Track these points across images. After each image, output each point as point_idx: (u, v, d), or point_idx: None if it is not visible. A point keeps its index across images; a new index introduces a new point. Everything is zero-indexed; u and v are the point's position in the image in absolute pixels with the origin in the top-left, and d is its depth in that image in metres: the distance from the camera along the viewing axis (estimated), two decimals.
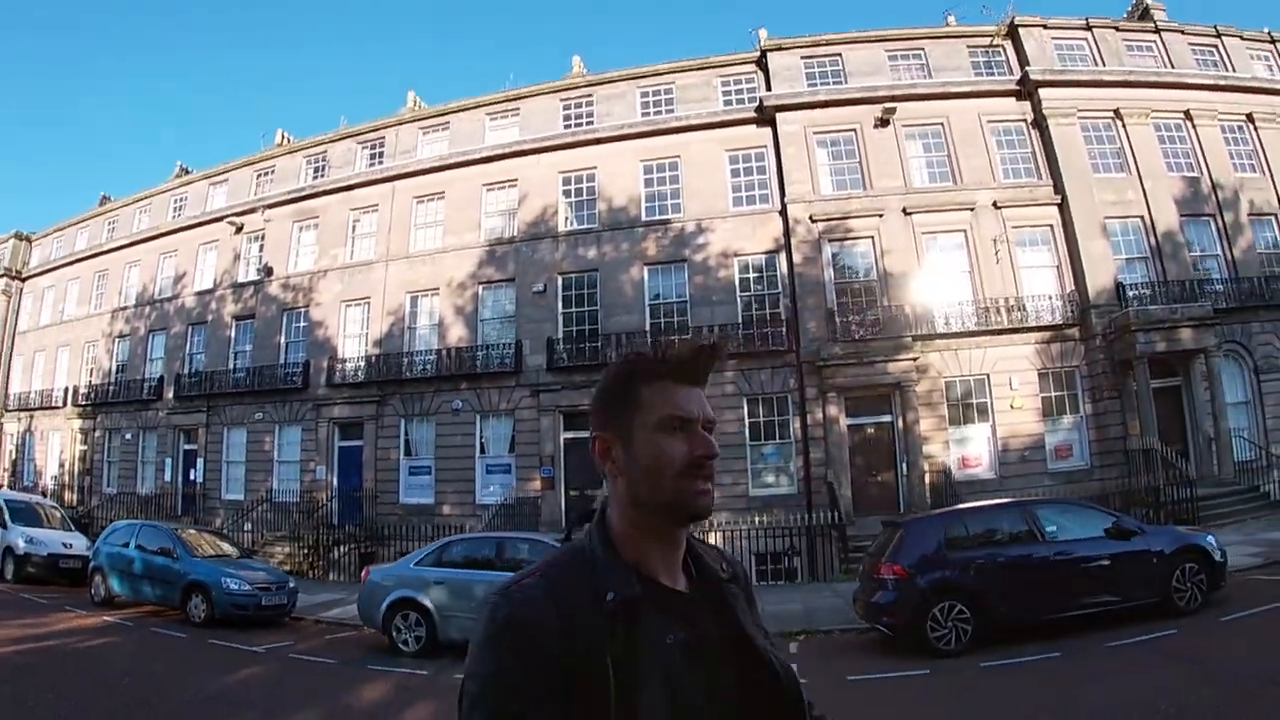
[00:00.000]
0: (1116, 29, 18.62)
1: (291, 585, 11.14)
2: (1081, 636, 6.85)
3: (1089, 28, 18.32)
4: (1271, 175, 17.98)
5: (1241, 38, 20.20)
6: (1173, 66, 18.54)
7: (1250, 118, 18.48)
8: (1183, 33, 19.52)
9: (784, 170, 16.18)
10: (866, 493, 14.97)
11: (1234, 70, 19.18)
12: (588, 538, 0.95)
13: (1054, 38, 17.99)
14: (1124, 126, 17.21)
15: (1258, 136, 18.46)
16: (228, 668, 7.69)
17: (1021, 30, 17.60)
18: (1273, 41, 20.57)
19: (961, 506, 8.53)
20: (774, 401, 15.50)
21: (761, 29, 19.58)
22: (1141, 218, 16.43)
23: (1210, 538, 7.65)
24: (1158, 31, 19.06)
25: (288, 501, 18.38)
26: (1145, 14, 21.84)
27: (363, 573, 10.38)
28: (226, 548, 12.19)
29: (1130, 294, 15.61)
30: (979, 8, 18.01)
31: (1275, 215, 17.52)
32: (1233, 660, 5.91)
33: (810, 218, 15.82)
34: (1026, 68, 16.86)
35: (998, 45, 17.67)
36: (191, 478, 20.01)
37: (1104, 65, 17.92)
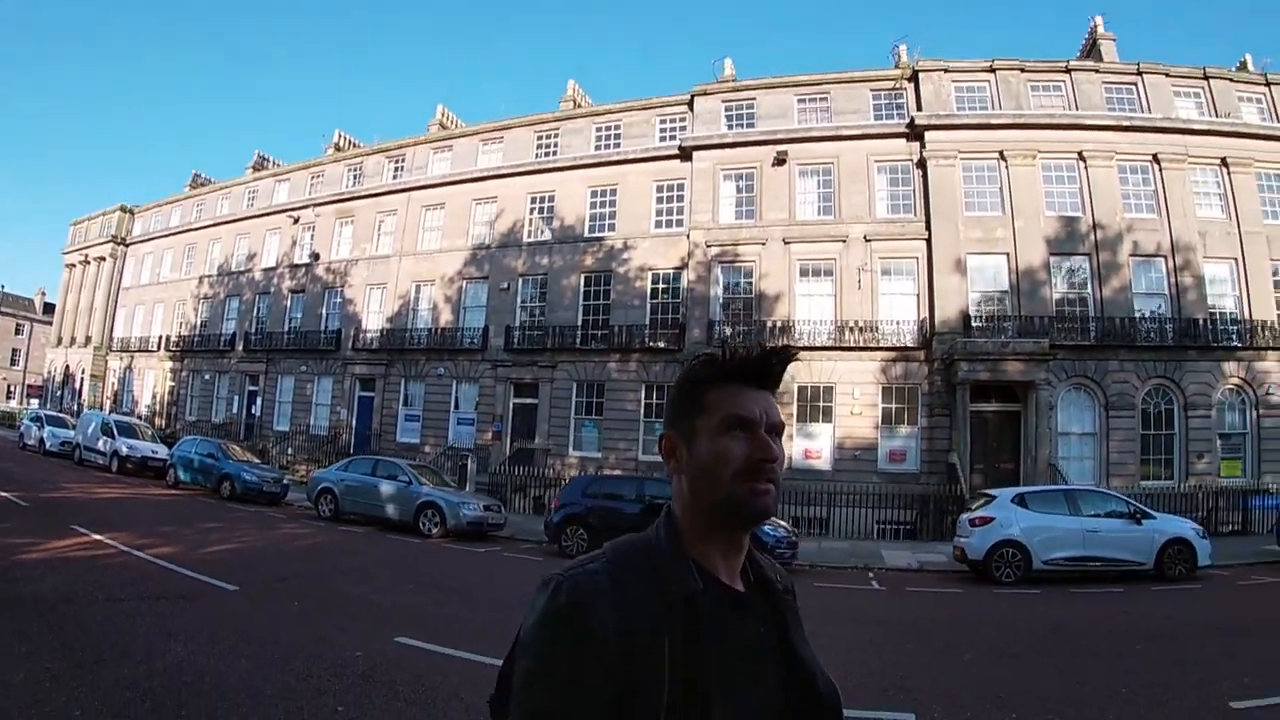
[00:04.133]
0: (1022, 70, 22.72)
1: (285, 482, 19.91)
2: None
3: (993, 70, 22.70)
4: (1168, 217, 21.92)
5: (1168, 75, 23.83)
6: (1077, 107, 23.04)
7: (1156, 158, 22.23)
8: (1097, 71, 23.38)
9: (691, 201, 22.95)
10: None
11: (1149, 110, 23.12)
12: (655, 530, 1.09)
13: (954, 81, 22.73)
14: (1006, 167, 22.29)
15: (1161, 177, 22.25)
16: (227, 514, 15.90)
17: (921, 75, 22.54)
18: (1206, 79, 24.16)
19: (600, 474, 16.27)
20: (664, 389, 22.24)
21: (727, 60, 26.15)
22: (1007, 254, 21.20)
23: (768, 529, 12.92)
24: (1068, 71, 23.24)
25: (319, 435, 27.72)
26: (1094, 49, 26.03)
27: (309, 473, 19.53)
28: (254, 459, 21.42)
29: (975, 325, 21.38)
30: (916, 46, 23.00)
31: (1165, 257, 21.57)
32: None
33: (706, 243, 22.16)
34: (915, 112, 22.29)
35: (900, 89, 23.07)
36: (252, 412, 29.90)
37: (1001, 108, 22.85)
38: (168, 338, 34.26)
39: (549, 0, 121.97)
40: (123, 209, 39.44)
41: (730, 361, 1.10)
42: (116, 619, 6.57)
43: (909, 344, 20.96)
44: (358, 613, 7.87)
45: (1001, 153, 21.88)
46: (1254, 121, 23.55)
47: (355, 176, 29.20)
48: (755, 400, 1.08)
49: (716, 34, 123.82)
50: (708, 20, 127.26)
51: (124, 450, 22.49)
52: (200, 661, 5.52)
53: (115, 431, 23.16)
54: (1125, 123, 22.32)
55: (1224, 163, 22.47)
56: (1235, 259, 22.07)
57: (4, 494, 14.57)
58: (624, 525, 12.81)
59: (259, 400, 29.78)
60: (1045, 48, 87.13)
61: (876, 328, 21.13)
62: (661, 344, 22.38)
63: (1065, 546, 12.61)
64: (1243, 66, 26.24)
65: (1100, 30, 26.04)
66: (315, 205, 28.87)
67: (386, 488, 16.29)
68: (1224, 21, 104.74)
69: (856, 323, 21.14)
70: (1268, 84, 24.32)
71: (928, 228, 21.49)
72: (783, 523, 15.19)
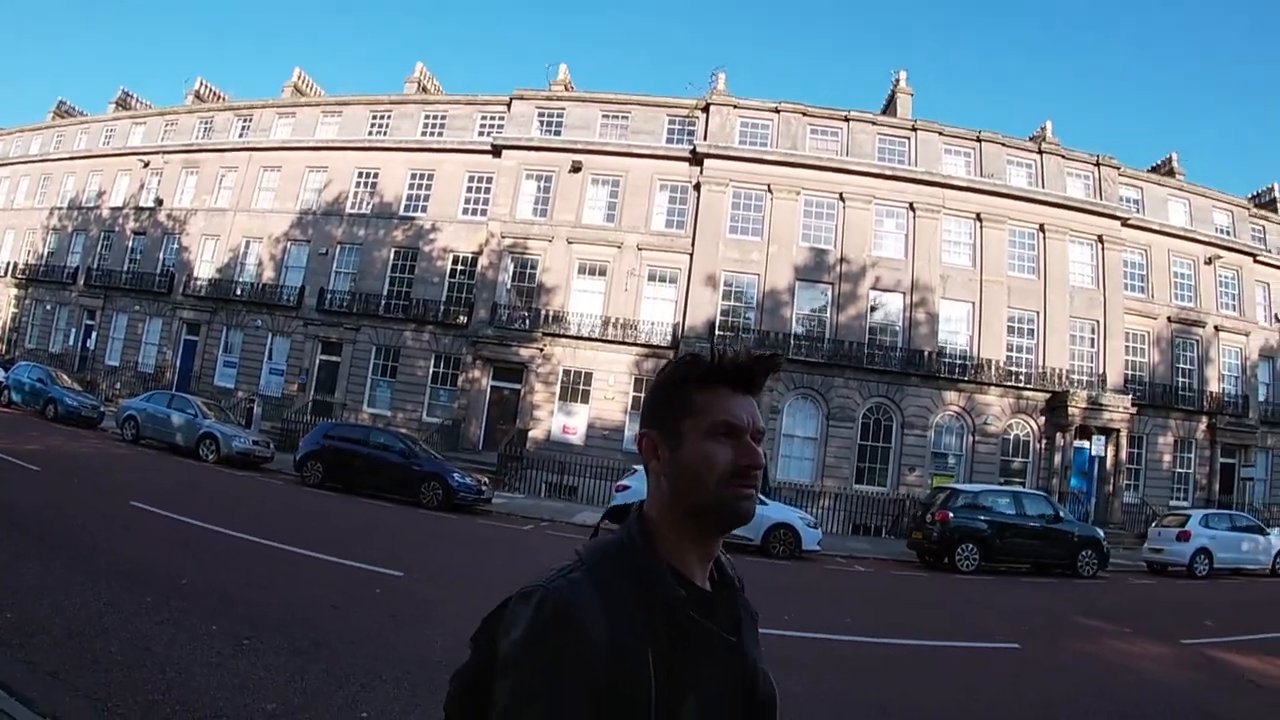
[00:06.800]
0: (805, 114, 27.40)
1: (101, 410, 23.46)
2: (382, 499, 16.79)
3: (777, 111, 27.34)
4: (913, 258, 26.78)
5: (941, 133, 29.42)
6: (849, 153, 28.50)
7: (912, 206, 27.22)
8: (874, 123, 28.56)
9: (495, 194, 27.88)
10: (494, 435, 27.02)
11: (916, 163, 28.78)
12: (628, 534, 1.17)
13: (741, 116, 27.20)
14: (772, 199, 27.36)
15: (914, 223, 27.42)
16: (47, 429, 19.75)
17: (713, 108, 27.12)
18: (979, 141, 29.91)
19: (342, 422, 21.57)
20: (453, 359, 26.60)
21: (562, 65, 31.29)
22: (758, 275, 25.97)
23: (457, 475, 17.55)
24: (847, 120, 28.64)
25: (146, 372, 32.04)
26: (891, 103, 31.82)
27: (120, 403, 24.38)
28: (78, 387, 25.85)
29: (718, 333, 26.70)
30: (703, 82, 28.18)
31: (905, 294, 26.62)
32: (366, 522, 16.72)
33: (501, 234, 26.38)
34: (699, 141, 27.16)
35: (693, 118, 28.25)
36: (87, 345, 33.60)
37: (778, 146, 27.75)
38: (15, 265, 37.20)
39: None
40: None
41: (719, 365, 1.19)
42: None
43: (662, 343, 25.67)
44: (116, 490, 12.44)
45: (769, 186, 26.87)
46: (1019, 184, 29.41)
47: (206, 129, 32.99)
48: (742, 405, 1.19)
49: (566, 36, 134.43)
50: (555, 23, 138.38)
51: None
52: (5, 498, 9.94)
53: None
54: (888, 172, 27.57)
55: (979, 217, 28.06)
56: (974, 302, 27.73)
57: None
58: (353, 463, 18.27)
59: (94, 334, 33.91)
60: (859, 97, 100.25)
61: (636, 326, 26.07)
62: (452, 320, 27.36)
63: None
64: (1041, 133, 32.20)
65: (901, 85, 31.61)
66: (165, 153, 32.75)
67: (177, 418, 20.35)
68: (1037, 89, 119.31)
69: (620, 319, 25.95)
70: (1040, 151, 30.12)
71: (693, 244, 26.84)
72: (482, 478, 20.39)
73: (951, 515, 17.28)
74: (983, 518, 17.41)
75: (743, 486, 1.17)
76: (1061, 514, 18.74)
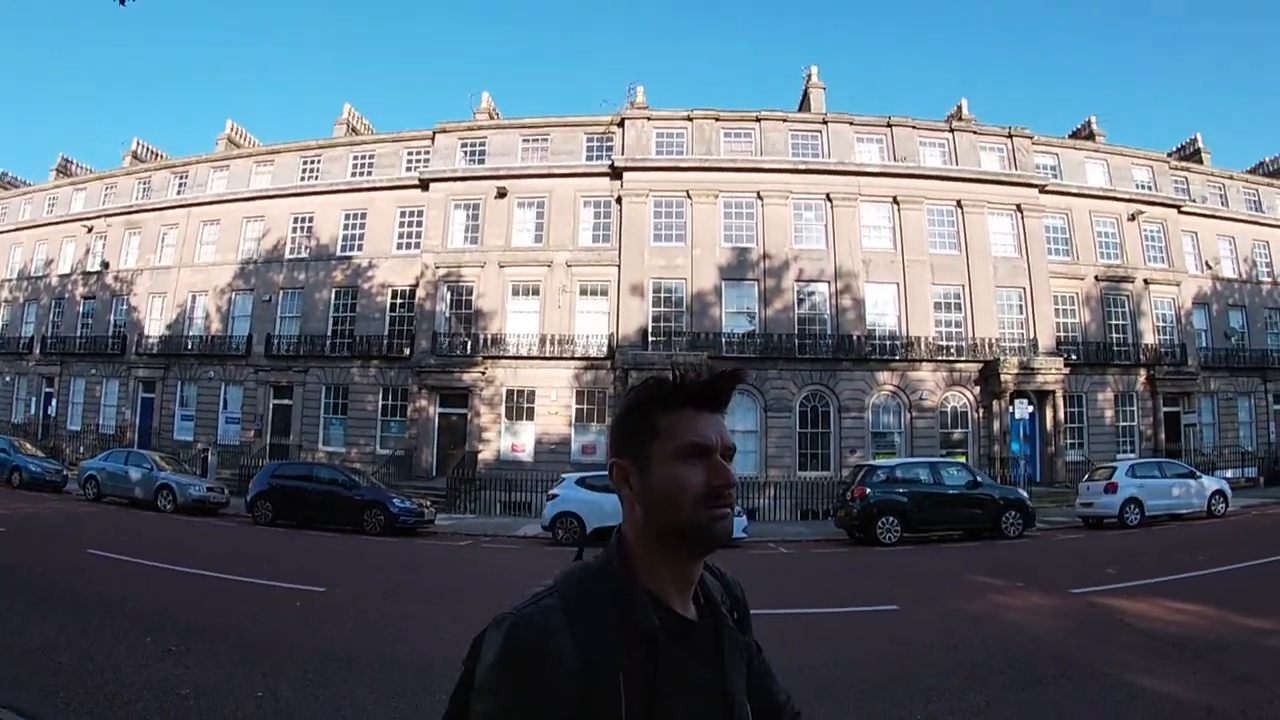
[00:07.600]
0: (717, 119, 28.60)
1: (65, 474, 24.55)
2: (329, 530, 18.12)
3: (690, 119, 28.52)
4: (834, 247, 28.08)
5: (851, 123, 30.77)
6: (762, 153, 29.84)
7: (829, 197, 28.66)
8: (785, 120, 29.85)
9: (427, 227, 29.24)
10: (446, 461, 28.50)
11: (829, 155, 30.17)
12: (606, 560, 1.18)
13: (656, 127, 28.41)
14: (692, 204, 28.53)
15: (832, 213, 28.85)
16: (12, 496, 21.01)
17: (628, 122, 28.35)
18: (889, 126, 31.30)
19: (287, 461, 22.90)
20: (400, 391, 27.71)
21: (485, 94, 32.73)
22: (685, 279, 27.11)
23: (397, 501, 18.84)
24: (758, 120, 29.88)
25: (107, 433, 33.59)
26: (805, 98, 33.35)
27: (81, 464, 25.77)
28: (40, 454, 27.35)
29: (651, 339, 28.12)
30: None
31: (829, 283, 27.82)
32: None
33: (435, 265, 27.52)
34: (617, 155, 28.53)
35: (609, 133, 29.64)
36: (48, 412, 34.76)
37: (693, 152, 28.92)
38: None
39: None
40: None
41: (682, 386, 1.20)
42: None
43: (598, 355, 26.69)
44: (76, 542, 13.64)
45: (688, 192, 28.05)
46: (933, 164, 30.87)
47: (145, 190, 33.98)
48: (709, 425, 1.20)
49: (487, 59, 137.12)
50: (476, 51, 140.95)
51: None
52: None
53: None
54: (801, 166, 28.87)
55: (895, 200, 29.44)
56: (898, 283, 29.13)
57: None
58: (300, 499, 20.06)
59: (54, 401, 35.17)
60: (779, 95, 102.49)
61: (573, 340, 27.18)
62: (396, 353, 28.55)
63: (611, 518, 19.18)
64: (957, 111, 33.65)
65: (814, 80, 33.07)
66: (107, 216, 33.95)
67: (135, 473, 21.67)
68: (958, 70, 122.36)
69: (556, 336, 27.05)
70: (952, 130, 31.53)
71: (620, 256, 28.02)
72: (424, 501, 21.76)
73: (869, 490, 18.15)
74: (900, 490, 18.25)
75: (717, 507, 1.17)
76: (980, 479, 19.61)
